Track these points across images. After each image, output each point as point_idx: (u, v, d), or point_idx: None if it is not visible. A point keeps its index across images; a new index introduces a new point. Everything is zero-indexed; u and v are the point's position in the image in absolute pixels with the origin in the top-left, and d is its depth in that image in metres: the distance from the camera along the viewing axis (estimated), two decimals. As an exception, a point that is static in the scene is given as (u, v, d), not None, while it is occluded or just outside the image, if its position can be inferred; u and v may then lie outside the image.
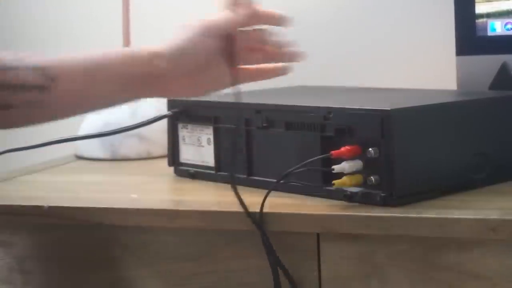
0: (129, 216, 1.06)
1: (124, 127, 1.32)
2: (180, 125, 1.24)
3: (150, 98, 1.45)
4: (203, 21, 1.03)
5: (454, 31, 1.26)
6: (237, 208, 1.02)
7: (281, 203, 1.04)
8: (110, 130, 1.34)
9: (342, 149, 1.01)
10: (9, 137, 1.74)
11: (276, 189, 1.03)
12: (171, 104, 1.25)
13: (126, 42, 1.52)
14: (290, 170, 1.02)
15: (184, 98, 1.24)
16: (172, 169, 1.26)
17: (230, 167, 1.13)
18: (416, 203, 1.00)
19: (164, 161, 1.27)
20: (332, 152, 1.01)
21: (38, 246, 1.13)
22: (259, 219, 0.99)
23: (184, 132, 1.24)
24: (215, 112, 1.19)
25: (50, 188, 1.25)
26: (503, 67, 1.23)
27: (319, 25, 1.57)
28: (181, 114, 1.23)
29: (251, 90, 1.38)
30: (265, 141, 1.13)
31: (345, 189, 1.02)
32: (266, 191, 1.01)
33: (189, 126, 1.23)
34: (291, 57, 1.08)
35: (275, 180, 1.02)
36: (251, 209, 0.99)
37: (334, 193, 1.03)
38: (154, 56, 0.99)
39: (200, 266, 1.07)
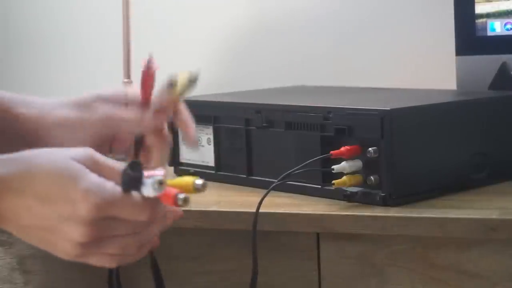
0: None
1: (124, 127, 1.31)
2: (180, 125, 1.24)
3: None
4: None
5: (454, 31, 1.26)
6: (237, 208, 1.02)
7: (281, 203, 1.04)
8: (110, 130, 1.33)
9: (342, 149, 1.01)
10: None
11: (276, 189, 1.03)
12: (171, 104, 1.25)
13: (126, 41, 1.52)
14: (289, 171, 1.02)
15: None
16: (172, 169, 1.26)
17: (229, 167, 1.13)
18: (416, 203, 1.00)
19: (164, 161, 1.27)
20: (332, 152, 1.01)
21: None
22: (254, 219, 0.99)
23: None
24: (215, 112, 1.19)
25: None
26: (503, 67, 1.23)
27: (319, 25, 1.58)
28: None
29: (251, 90, 1.39)
30: (265, 141, 1.13)
31: (345, 189, 1.02)
32: (266, 190, 1.01)
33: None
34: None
35: (275, 180, 1.02)
36: (250, 209, 0.99)
37: (334, 193, 1.03)
38: None
39: (200, 266, 1.07)
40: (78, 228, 0.75)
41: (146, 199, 0.76)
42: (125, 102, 0.92)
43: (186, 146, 0.90)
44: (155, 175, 0.76)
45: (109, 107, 0.91)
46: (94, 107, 0.91)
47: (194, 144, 0.92)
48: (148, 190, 0.75)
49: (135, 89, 0.93)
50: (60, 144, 0.90)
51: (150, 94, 0.91)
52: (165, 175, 0.76)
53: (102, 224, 0.75)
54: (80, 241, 0.75)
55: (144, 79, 0.91)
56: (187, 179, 0.77)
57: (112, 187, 0.75)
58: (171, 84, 0.90)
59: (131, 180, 0.76)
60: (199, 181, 0.77)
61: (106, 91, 0.93)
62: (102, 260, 0.78)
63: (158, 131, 0.91)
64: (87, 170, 0.76)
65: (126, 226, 0.77)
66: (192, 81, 0.91)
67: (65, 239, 0.76)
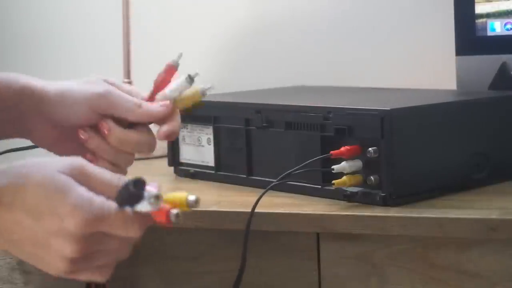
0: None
1: (124, 127, 1.31)
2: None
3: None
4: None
5: (454, 31, 1.26)
6: (237, 208, 1.02)
7: (280, 202, 1.04)
8: (110, 130, 1.33)
9: (342, 149, 1.01)
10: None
11: (275, 189, 1.03)
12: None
13: (126, 41, 1.52)
14: (289, 171, 1.02)
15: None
16: (172, 169, 1.26)
17: (229, 167, 1.13)
18: (416, 203, 1.00)
19: (164, 161, 1.27)
20: (332, 152, 1.01)
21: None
22: (249, 218, 0.98)
23: (184, 132, 1.24)
24: (215, 112, 1.19)
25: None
26: (503, 67, 1.23)
27: (319, 26, 1.58)
28: (181, 114, 1.23)
29: (251, 90, 1.39)
30: (265, 141, 1.13)
31: (345, 189, 1.02)
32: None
33: (189, 126, 1.23)
34: None
35: (275, 180, 1.02)
36: (250, 209, 0.99)
37: (334, 193, 1.03)
38: None
39: (200, 266, 1.07)
40: (67, 244, 0.74)
41: (137, 214, 0.75)
42: (128, 93, 0.93)
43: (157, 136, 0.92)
44: (149, 189, 0.74)
45: (112, 87, 0.92)
46: (98, 83, 0.92)
47: (161, 137, 0.92)
48: (144, 205, 0.74)
49: (139, 90, 0.94)
50: (60, 117, 0.91)
51: (160, 88, 0.92)
52: (160, 189, 0.75)
53: (92, 239, 0.74)
54: (70, 256, 0.75)
55: (165, 72, 0.92)
56: (180, 195, 0.75)
57: (101, 202, 0.74)
58: (191, 79, 0.91)
59: (131, 197, 0.74)
60: (192, 197, 0.75)
61: (114, 79, 0.94)
62: (92, 275, 0.77)
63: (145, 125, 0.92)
64: (76, 183, 0.75)
65: (116, 240, 0.76)
66: (203, 94, 0.92)
67: (55, 254, 0.75)
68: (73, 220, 0.73)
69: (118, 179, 0.77)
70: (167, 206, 0.74)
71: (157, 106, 0.91)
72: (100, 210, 0.74)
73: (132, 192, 0.74)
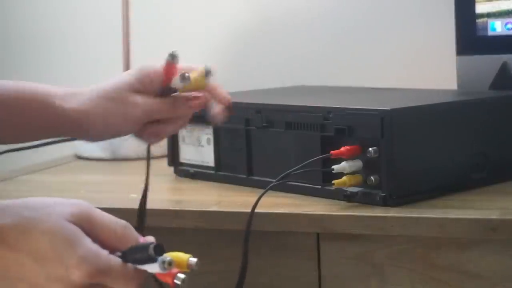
0: (129, 216, 1.05)
1: (124, 127, 1.31)
2: (180, 125, 1.24)
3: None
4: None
5: (454, 31, 1.26)
6: (237, 208, 1.02)
7: (281, 203, 1.04)
8: (110, 130, 1.33)
9: (342, 149, 1.01)
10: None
11: (276, 189, 1.03)
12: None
13: (126, 41, 1.52)
14: (289, 171, 1.02)
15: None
16: (172, 169, 1.26)
17: (229, 167, 1.13)
18: (416, 203, 1.00)
19: (164, 161, 1.27)
20: (332, 152, 1.01)
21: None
22: (249, 218, 0.98)
23: (184, 132, 1.23)
24: (215, 112, 1.19)
25: (50, 188, 1.25)
26: (503, 67, 1.23)
27: (319, 25, 1.58)
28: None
29: (251, 90, 1.38)
30: (265, 141, 1.13)
31: (345, 189, 1.02)
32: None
33: (189, 126, 1.22)
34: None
35: (275, 180, 1.02)
36: (250, 210, 0.99)
37: (334, 193, 1.03)
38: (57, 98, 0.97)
39: (200, 266, 1.06)
40: None
41: (138, 271, 0.76)
42: (151, 81, 0.98)
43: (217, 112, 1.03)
44: (149, 243, 0.75)
45: (143, 101, 0.98)
46: (131, 102, 0.98)
47: (224, 101, 1.01)
48: (154, 267, 0.75)
49: (154, 68, 0.99)
50: (104, 131, 0.98)
51: (170, 79, 0.98)
52: (162, 246, 0.76)
53: None
54: None
55: (167, 69, 0.98)
56: (182, 256, 0.77)
57: (107, 256, 0.75)
58: (185, 78, 0.96)
59: (146, 260, 0.75)
60: (193, 259, 0.77)
61: (133, 76, 1.00)
62: None
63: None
64: (83, 235, 0.76)
65: None
66: (207, 73, 0.99)
67: None
68: (78, 272, 0.74)
69: (123, 228, 0.79)
70: (174, 269, 0.75)
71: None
72: (106, 264, 0.75)
73: (150, 256, 0.75)
